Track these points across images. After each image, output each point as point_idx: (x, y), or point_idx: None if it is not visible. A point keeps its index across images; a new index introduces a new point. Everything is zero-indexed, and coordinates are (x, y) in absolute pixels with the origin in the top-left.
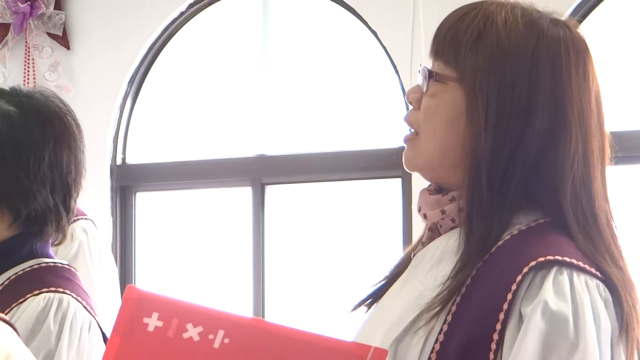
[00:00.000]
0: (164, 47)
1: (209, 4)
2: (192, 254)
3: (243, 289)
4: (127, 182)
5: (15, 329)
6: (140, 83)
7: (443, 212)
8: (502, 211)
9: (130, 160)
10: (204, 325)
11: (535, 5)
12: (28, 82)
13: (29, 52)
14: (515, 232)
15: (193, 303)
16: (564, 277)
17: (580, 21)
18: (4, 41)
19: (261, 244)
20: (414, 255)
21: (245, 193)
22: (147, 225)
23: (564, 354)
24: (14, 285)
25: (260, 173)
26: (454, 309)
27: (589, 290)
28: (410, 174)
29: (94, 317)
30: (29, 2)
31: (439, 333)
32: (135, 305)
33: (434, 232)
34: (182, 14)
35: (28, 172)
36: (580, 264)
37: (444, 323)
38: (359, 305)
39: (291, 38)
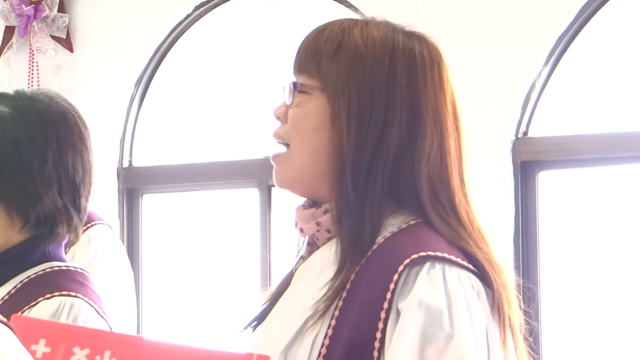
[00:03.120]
0: (170, 49)
1: (215, 5)
2: (199, 256)
3: (250, 291)
4: (133, 184)
5: (13, 331)
6: (147, 85)
7: (318, 224)
8: (371, 211)
9: (137, 162)
10: (90, 347)
11: (387, 19)
12: (32, 85)
13: (33, 54)
14: (388, 234)
15: (78, 327)
16: (437, 270)
17: (585, 22)
18: (9, 44)
19: (268, 245)
20: (295, 270)
21: (252, 195)
22: (153, 228)
23: (441, 344)
24: (25, 288)
25: (267, 175)
26: (337, 313)
27: (461, 282)
28: None
29: (106, 321)
30: (33, 5)
31: (325, 337)
32: (22, 334)
33: (312, 246)
34: (188, 16)
35: (33, 176)
36: (452, 257)
37: (329, 327)
38: (247, 327)
39: (297, 40)
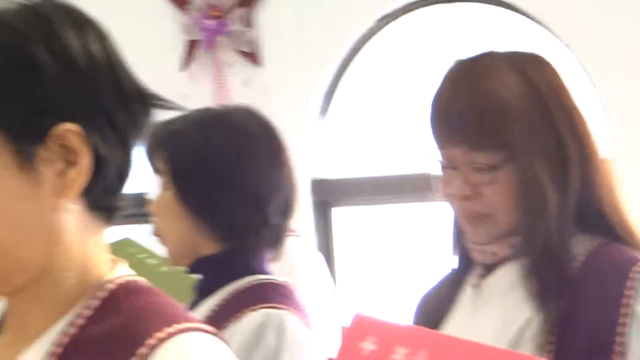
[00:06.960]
0: (352, 60)
1: (398, 17)
2: (397, 264)
3: None
4: (324, 197)
5: (227, 344)
6: (330, 97)
7: (511, 246)
8: (566, 247)
9: (328, 175)
10: (410, 346)
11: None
12: (219, 99)
13: (219, 68)
14: (588, 253)
15: (404, 325)
16: None
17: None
18: (193, 57)
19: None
20: (475, 287)
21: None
22: (343, 241)
23: None
24: (232, 300)
25: None
26: (557, 330)
27: None
28: None
29: (313, 334)
30: (217, 20)
31: (548, 343)
32: (353, 331)
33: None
34: (370, 29)
35: (219, 183)
36: None
37: (552, 335)
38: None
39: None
